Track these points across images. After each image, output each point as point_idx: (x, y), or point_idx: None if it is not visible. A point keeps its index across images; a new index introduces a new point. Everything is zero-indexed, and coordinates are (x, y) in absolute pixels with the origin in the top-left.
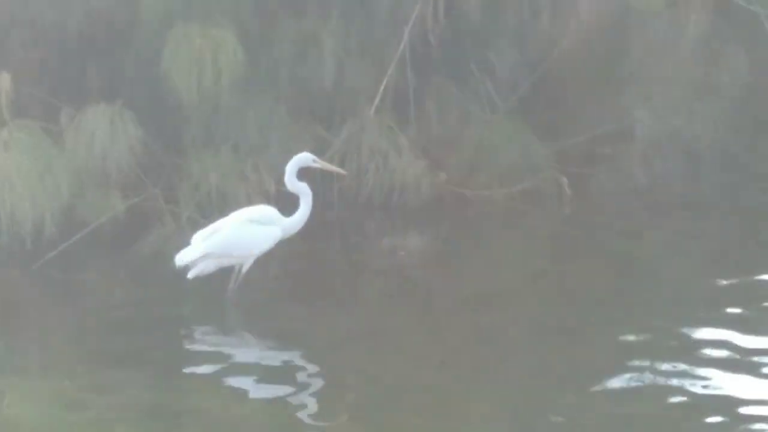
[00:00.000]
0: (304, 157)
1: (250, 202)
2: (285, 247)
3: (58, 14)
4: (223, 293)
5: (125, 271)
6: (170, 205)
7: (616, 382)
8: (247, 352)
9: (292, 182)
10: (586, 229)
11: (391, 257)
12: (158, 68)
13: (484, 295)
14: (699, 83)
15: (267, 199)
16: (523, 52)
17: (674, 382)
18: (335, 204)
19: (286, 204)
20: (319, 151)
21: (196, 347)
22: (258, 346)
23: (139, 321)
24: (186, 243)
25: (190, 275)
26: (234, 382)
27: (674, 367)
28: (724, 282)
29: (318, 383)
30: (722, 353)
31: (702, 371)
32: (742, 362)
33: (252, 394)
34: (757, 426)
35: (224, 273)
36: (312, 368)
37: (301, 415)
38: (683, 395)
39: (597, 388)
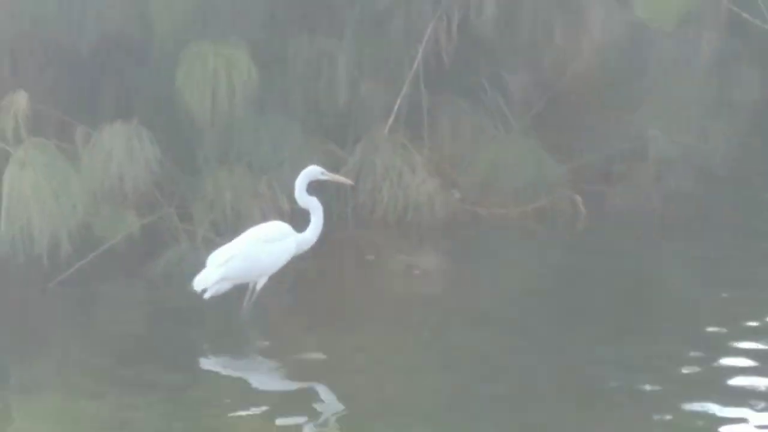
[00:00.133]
0: (312, 171)
1: (264, 220)
2: (299, 265)
3: (74, 33)
4: (238, 312)
5: (140, 289)
6: (185, 223)
7: (628, 408)
8: (262, 376)
9: (302, 197)
10: (599, 247)
11: (405, 276)
12: (172, 87)
13: (497, 316)
14: (712, 102)
15: (281, 217)
16: (536, 71)
17: (686, 406)
18: (349, 222)
19: (300, 222)
20: (333, 169)
21: (211, 368)
22: (272, 369)
23: (153, 340)
24: (201, 264)
25: (207, 296)
26: (248, 406)
27: (686, 389)
28: (738, 302)
29: (333, 407)
30: (735, 379)
31: (716, 396)
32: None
33: (266, 418)
34: None
35: (239, 290)
36: (326, 394)
37: None
38: (695, 419)
39: (613, 413)
